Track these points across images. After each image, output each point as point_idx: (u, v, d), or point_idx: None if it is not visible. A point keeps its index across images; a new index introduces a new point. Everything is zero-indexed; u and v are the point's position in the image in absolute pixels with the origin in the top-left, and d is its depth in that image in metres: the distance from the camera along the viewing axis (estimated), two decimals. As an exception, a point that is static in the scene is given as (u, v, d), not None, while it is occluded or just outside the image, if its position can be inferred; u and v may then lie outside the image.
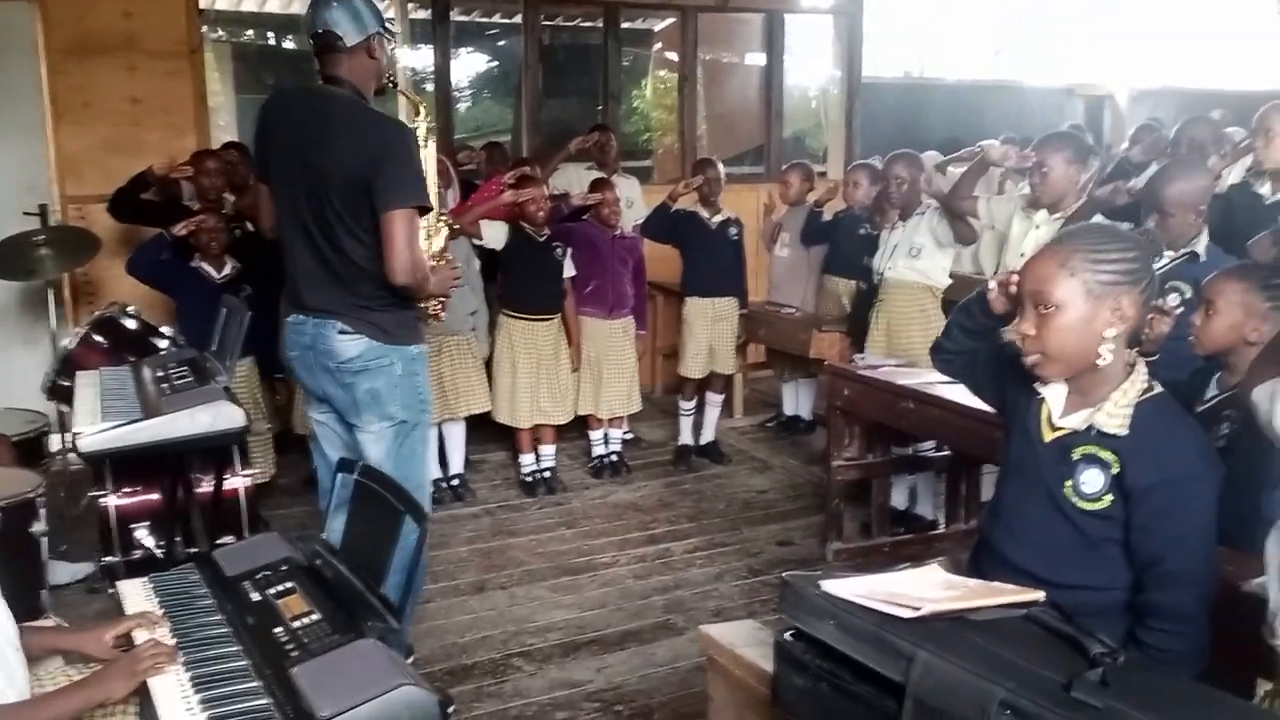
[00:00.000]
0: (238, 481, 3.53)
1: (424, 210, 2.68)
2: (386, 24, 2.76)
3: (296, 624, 1.93)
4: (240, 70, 7.31)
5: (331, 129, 2.63)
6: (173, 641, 1.91)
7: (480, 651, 3.28)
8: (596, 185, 4.88)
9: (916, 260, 4.21)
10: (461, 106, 7.78)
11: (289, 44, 7.61)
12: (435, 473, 4.61)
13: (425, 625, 3.45)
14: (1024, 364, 1.71)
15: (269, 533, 2.57)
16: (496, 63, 8.11)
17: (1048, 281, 1.65)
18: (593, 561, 3.94)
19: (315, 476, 4.52)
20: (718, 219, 5.00)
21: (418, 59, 7.33)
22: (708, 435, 5.24)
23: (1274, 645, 1.47)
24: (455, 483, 4.63)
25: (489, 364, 4.65)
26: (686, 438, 5.18)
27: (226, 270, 4.28)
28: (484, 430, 4.92)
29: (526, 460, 4.71)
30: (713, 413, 5.25)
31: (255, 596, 2.09)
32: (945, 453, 4.04)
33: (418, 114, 2.92)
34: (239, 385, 4.11)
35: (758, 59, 7.45)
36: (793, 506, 4.61)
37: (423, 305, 2.92)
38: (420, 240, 2.88)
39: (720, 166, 5.07)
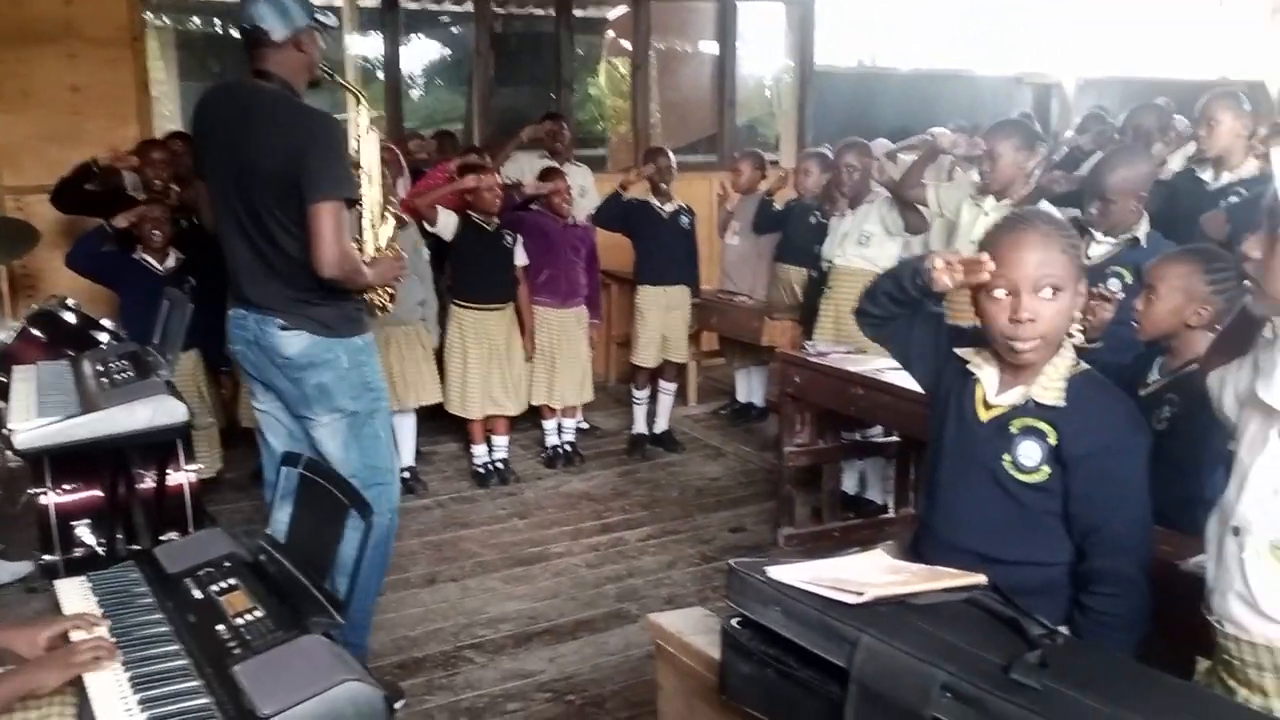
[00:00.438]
0: (182, 477, 3.47)
1: (352, 203, 2.65)
2: (317, 17, 2.73)
3: (239, 621, 1.90)
4: (184, 58, 7.16)
5: (257, 124, 2.62)
6: (113, 640, 1.87)
7: (431, 644, 3.26)
8: (548, 174, 4.85)
9: (865, 248, 4.24)
10: (413, 95, 7.70)
11: (235, 31, 7.46)
12: (408, 459, 4.58)
13: (375, 619, 3.39)
14: (1013, 350, 1.69)
15: (212, 528, 2.52)
16: (448, 51, 8.04)
17: (1052, 264, 1.67)
18: (545, 552, 3.93)
19: (262, 470, 4.52)
20: (670, 207, 5.00)
21: (368, 47, 7.23)
22: (662, 424, 5.24)
23: (1211, 623, 1.50)
24: (406, 475, 4.56)
25: (439, 354, 4.60)
26: (640, 426, 5.18)
27: (170, 262, 4.19)
28: (435, 422, 4.88)
29: (479, 451, 4.68)
30: (666, 401, 5.25)
31: (197, 594, 2.04)
32: (894, 438, 4.08)
33: (358, 104, 2.89)
34: (183, 379, 4.03)
35: (711, 47, 7.44)
36: (745, 493, 4.63)
37: (368, 296, 2.90)
38: (366, 231, 2.91)
39: (671, 155, 5.07)
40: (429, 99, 8.47)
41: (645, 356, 5.08)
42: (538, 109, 6.00)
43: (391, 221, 3.05)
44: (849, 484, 4.39)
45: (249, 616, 1.91)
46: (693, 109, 7.57)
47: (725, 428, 5.62)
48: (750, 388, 5.77)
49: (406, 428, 4.58)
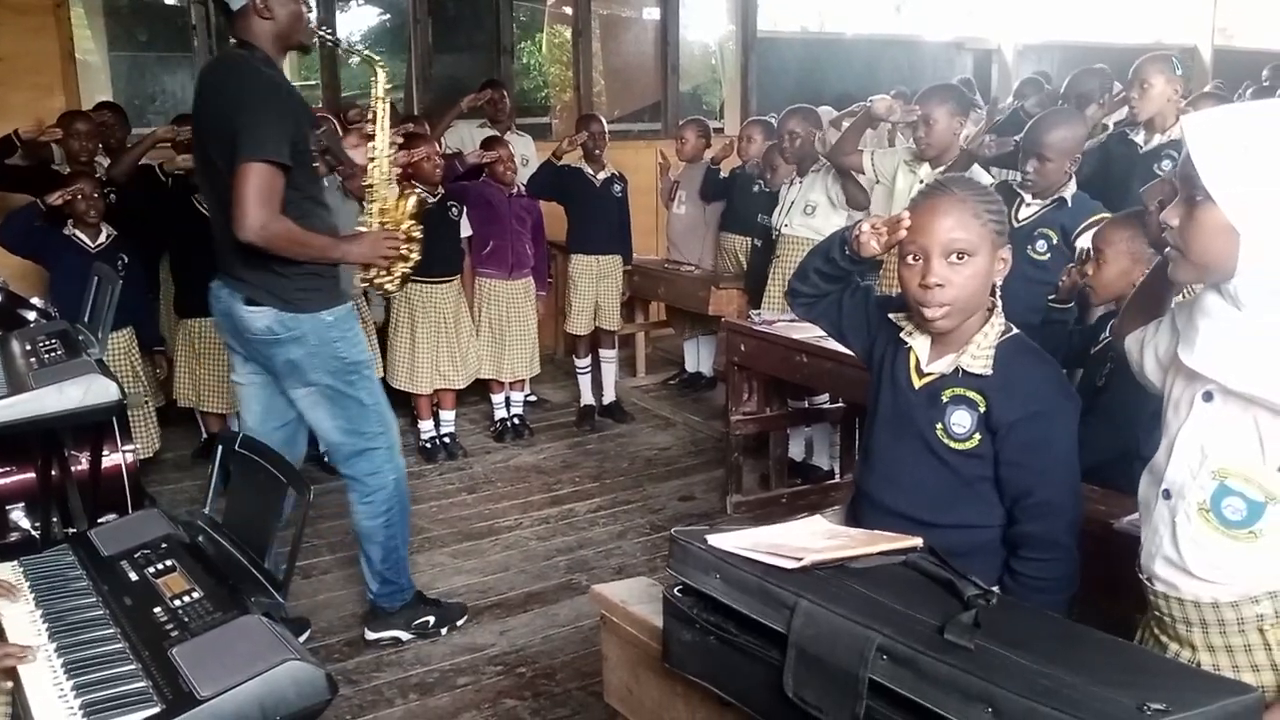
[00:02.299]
0: (118, 458, 3.37)
1: (284, 168, 2.55)
2: None
3: (177, 603, 1.87)
4: (112, 25, 6.92)
5: (212, 92, 2.63)
6: (42, 626, 1.83)
7: (380, 620, 3.24)
8: (489, 143, 4.79)
9: (811, 218, 4.24)
10: (351, 62, 7.52)
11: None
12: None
13: (324, 596, 3.40)
14: (924, 314, 1.70)
15: (149, 510, 2.47)
16: (387, 16, 7.85)
17: (963, 229, 1.67)
18: (495, 526, 3.92)
19: (205, 449, 4.44)
20: (602, 175, 4.97)
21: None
22: (609, 394, 5.24)
23: (1143, 580, 1.53)
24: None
25: (382, 329, 4.54)
26: (588, 398, 5.17)
27: (101, 238, 4.08)
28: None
29: (426, 426, 4.64)
30: (609, 370, 5.25)
31: (133, 576, 2.01)
32: (839, 404, 4.12)
33: (374, 74, 2.89)
34: (117, 358, 3.95)
35: (654, 14, 7.38)
36: (695, 462, 4.65)
37: (364, 274, 2.91)
38: (368, 203, 2.90)
39: (604, 122, 5.03)
40: (366, 66, 8.29)
41: (578, 324, 5.08)
42: (478, 77, 5.90)
43: (413, 198, 3.02)
44: (796, 450, 4.43)
45: (187, 598, 1.88)
46: (636, 76, 7.51)
47: (674, 397, 5.63)
48: (699, 357, 5.78)
49: (351, 403, 4.53)
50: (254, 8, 2.60)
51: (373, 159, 2.95)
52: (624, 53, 7.65)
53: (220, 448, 2.26)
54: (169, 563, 2.03)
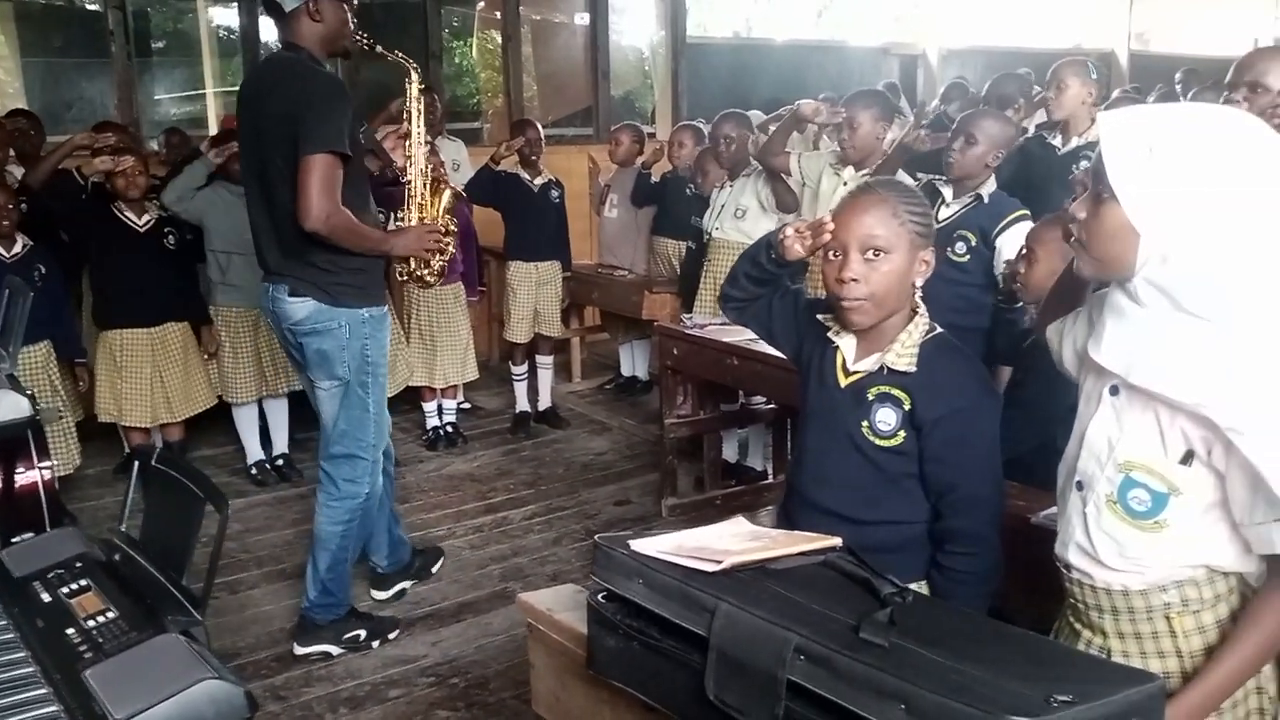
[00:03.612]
0: (34, 475, 3.26)
1: (345, 159, 2.68)
2: None
3: (91, 624, 1.81)
4: (25, 31, 6.73)
5: (268, 91, 2.75)
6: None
7: (310, 635, 3.18)
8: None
9: (742, 222, 4.27)
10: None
11: (89, 4, 7.06)
12: (258, 453, 4.44)
13: (251, 612, 3.33)
14: (841, 310, 1.73)
15: (65, 528, 2.40)
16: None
17: (881, 227, 1.69)
18: (428, 535, 3.87)
19: (127, 464, 4.32)
20: (539, 181, 4.96)
21: (226, 18, 6.94)
22: (545, 400, 5.22)
23: (1060, 568, 1.56)
24: (280, 463, 4.47)
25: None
26: (523, 404, 5.15)
27: (16, 249, 3.95)
28: (309, 408, 4.73)
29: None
30: (546, 376, 5.23)
31: (45, 597, 1.94)
32: (772, 405, 4.15)
33: (409, 76, 3.04)
34: (34, 371, 3.83)
35: (584, 19, 7.38)
36: (630, 466, 4.65)
37: (403, 266, 3.05)
38: (410, 200, 3.07)
39: (540, 127, 5.01)
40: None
41: (517, 332, 5.05)
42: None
43: (448, 193, 3.16)
44: (730, 452, 4.46)
45: (101, 618, 1.83)
46: (568, 81, 7.51)
47: (610, 402, 5.63)
48: (634, 361, 5.79)
49: (279, 413, 4.46)
50: (306, 10, 2.72)
51: (410, 157, 3.08)
52: (555, 58, 7.64)
53: (137, 463, 2.21)
54: (83, 582, 1.97)
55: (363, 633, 3.10)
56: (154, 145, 5.64)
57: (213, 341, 4.24)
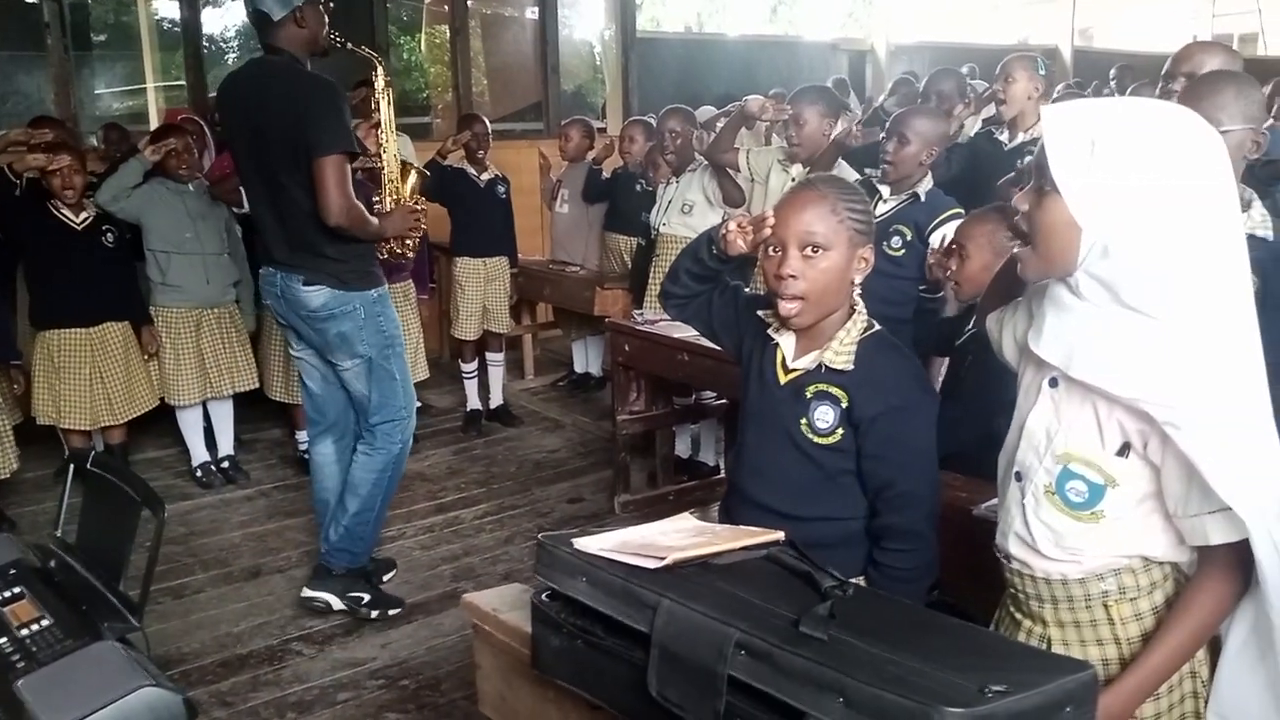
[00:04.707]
0: (-32, 480, 3.20)
1: (353, 156, 2.91)
2: None
3: (24, 632, 1.77)
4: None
5: (267, 93, 2.89)
6: None
7: (256, 639, 3.13)
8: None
9: (689, 217, 4.27)
10: (230, 59, 7.27)
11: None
12: (203, 455, 4.37)
13: (196, 617, 3.27)
14: (779, 307, 1.73)
15: (-2, 535, 2.34)
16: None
17: (820, 224, 1.69)
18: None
19: (65, 467, 4.23)
20: (486, 176, 4.93)
21: (168, 10, 6.81)
22: (496, 398, 5.19)
23: (1000, 559, 1.57)
24: (225, 465, 4.40)
25: (256, 338, 4.40)
26: (475, 402, 5.11)
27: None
28: (258, 407, 4.68)
29: (304, 436, 4.49)
30: (496, 373, 5.19)
31: (-23, 606, 1.89)
32: (724, 401, 4.16)
33: (375, 70, 3.22)
34: (-33, 375, 3.73)
35: (533, 13, 7.34)
36: (584, 463, 4.64)
37: (387, 247, 3.26)
38: (385, 185, 3.29)
39: (487, 123, 4.97)
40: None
41: (466, 329, 5.01)
42: (354, 76, 5.77)
43: (413, 174, 3.42)
44: (683, 448, 4.46)
45: (35, 626, 1.79)
46: (517, 76, 7.46)
47: (563, 399, 5.61)
48: (587, 358, 5.78)
49: (224, 415, 4.39)
50: (294, 17, 2.87)
51: (383, 145, 3.29)
52: (505, 52, 7.59)
53: (73, 467, 2.16)
54: (17, 590, 1.92)
55: (367, 596, 3.22)
56: (93, 141, 5.52)
57: (153, 342, 4.15)
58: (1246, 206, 2.14)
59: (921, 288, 2.63)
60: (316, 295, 2.98)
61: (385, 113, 3.26)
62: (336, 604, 3.20)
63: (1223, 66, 2.43)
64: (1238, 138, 2.05)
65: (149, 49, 6.79)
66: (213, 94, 6.12)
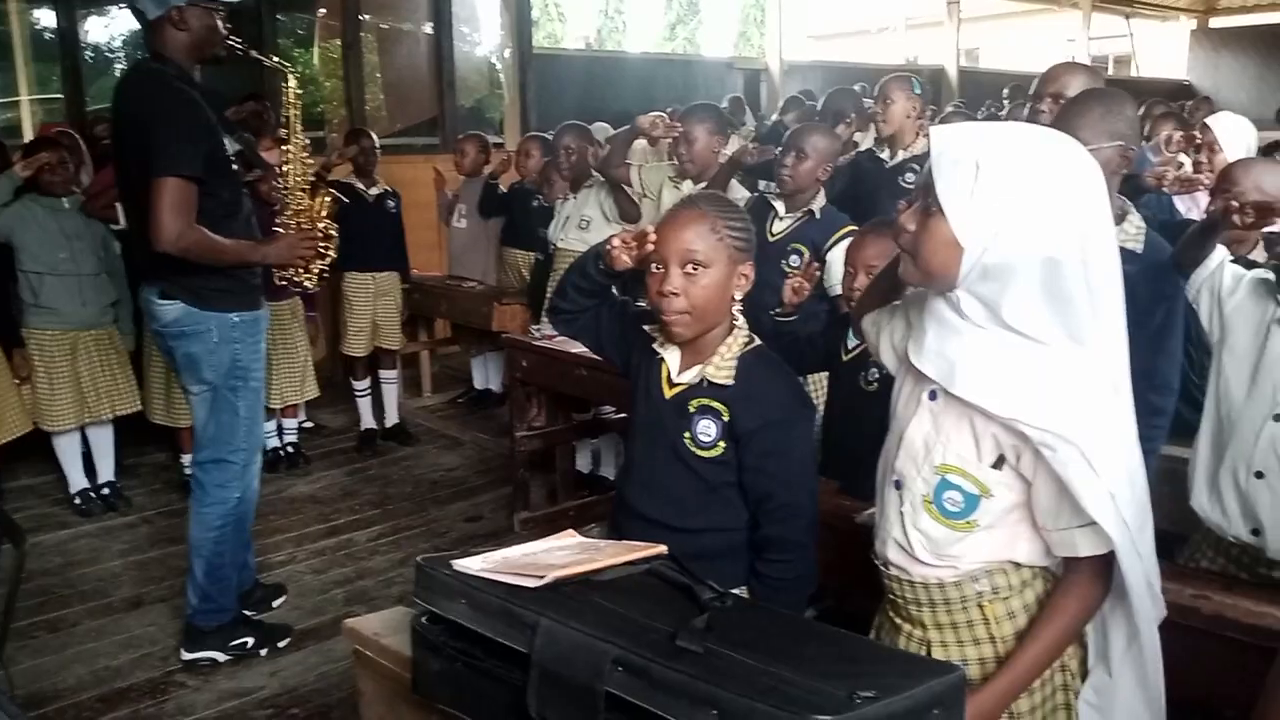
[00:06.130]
0: None
1: (196, 180, 2.66)
2: None
3: None
4: None
5: (127, 102, 2.76)
6: None
7: (137, 672, 3.01)
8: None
9: (586, 232, 4.27)
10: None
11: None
12: (81, 482, 4.19)
13: (73, 651, 3.13)
14: (661, 323, 1.75)
15: None
16: (138, 26, 7.39)
17: (700, 241, 1.71)
18: (267, 561, 3.71)
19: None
20: (375, 191, 4.86)
21: (44, 20, 6.54)
22: (391, 416, 5.11)
23: (878, 566, 1.60)
24: (106, 492, 4.22)
25: (136, 358, 4.24)
26: (369, 421, 5.02)
27: None
28: (140, 430, 4.50)
29: (189, 460, 4.35)
30: (391, 391, 5.11)
31: None
32: (624, 415, 4.16)
33: (285, 81, 3.03)
34: None
35: (429, 27, 7.28)
36: (483, 481, 4.59)
37: (280, 273, 3.03)
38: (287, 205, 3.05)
39: (374, 137, 4.91)
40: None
41: (355, 345, 4.94)
42: (242, 90, 5.63)
43: (328, 195, 3.19)
44: (583, 463, 4.45)
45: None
46: (414, 90, 7.38)
47: (463, 416, 5.54)
48: (487, 374, 5.72)
49: (104, 440, 4.21)
50: (170, 19, 2.69)
51: (287, 162, 3.05)
52: (400, 66, 7.50)
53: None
54: None
55: (250, 640, 3.07)
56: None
57: (24, 366, 3.96)
58: (1121, 218, 2.22)
59: (774, 311, 2.64)
60: (169, 310, 2.82)
61: (294, 126, 3.07)
62: (222, 657, 3.03)
63: (1087, 86, 2.53)
64: (1105, 155, 2.13)
65: (23, 60, 6.51)
66: (93, 107, 5.91)
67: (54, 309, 3.97)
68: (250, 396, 2.96)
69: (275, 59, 3.09)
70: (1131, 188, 2.99)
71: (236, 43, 2.87)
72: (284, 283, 3.10)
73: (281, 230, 3.02)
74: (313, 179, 3.27)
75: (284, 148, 3.10)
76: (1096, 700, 1.49)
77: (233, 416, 2.92)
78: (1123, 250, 1.59)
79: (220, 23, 2.81)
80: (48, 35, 6.55)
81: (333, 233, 3.13)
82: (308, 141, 3.14)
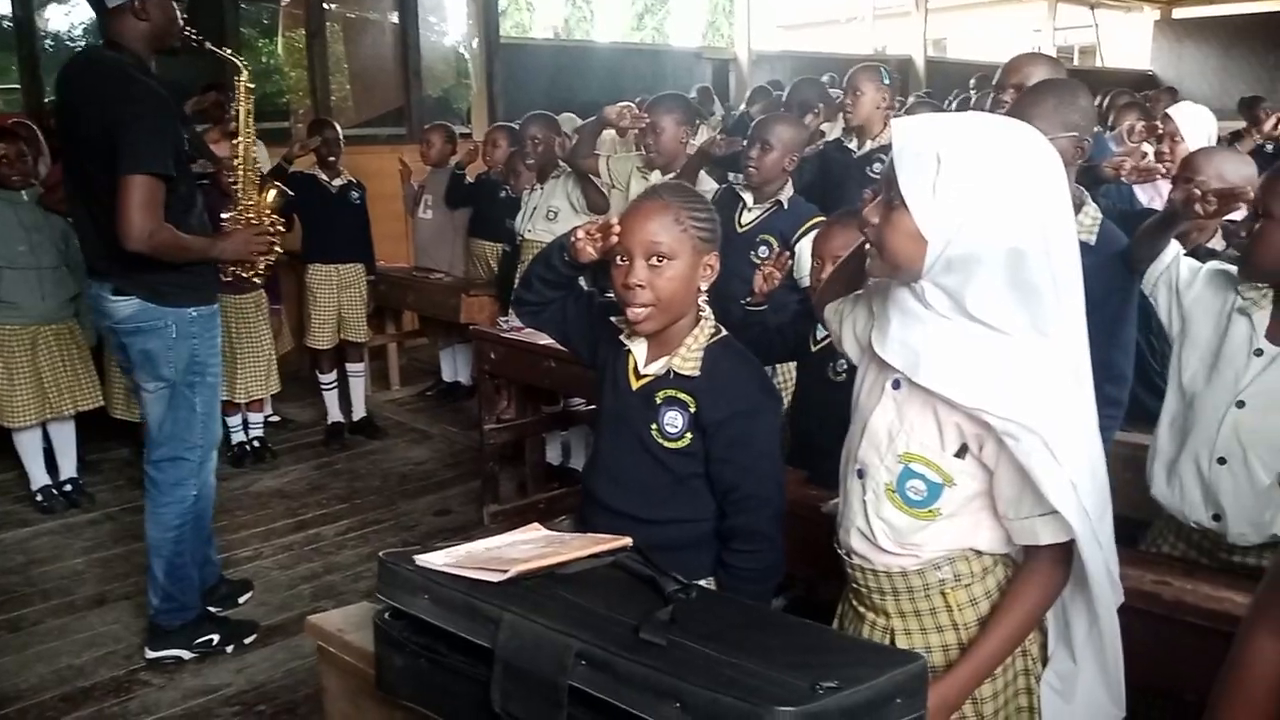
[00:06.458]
0: None
1: (165, 178, 2.62)
2: None
3: None
4: None
5: (85, 93, 2.66)
6: None
7: (101, 670, 2.97)
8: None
9: (554, 223, 4.24)
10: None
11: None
12: (43, 479, 4.13)
13: (35, 650, 3.09)
14: (627, 315, 1.74)
15: None
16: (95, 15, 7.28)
17: (664, 233, 1.70)
18: (233, 557, 3.67)
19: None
20: (339, 182, 4.82)
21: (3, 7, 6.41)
22: (359, 409, 5.07)
23: (841, 555, 1.61)
24: (69, 488, 4.16)
25: (98, 353, 4.18)
26: (336, 414, 4.98)
27: None
28: (103, 426, 4.44)
29: (152, 456, 4.30)
30: (357, 384, 5.07)
31: None
32: (593, 406, 4.15)
33: (238, 73, 2.98)
34: None
35: (394, 17, 7.21)
36: (452, 474, 4.56)
37: (229, 269, 2.97)
38: (238, 200, 3.00)
39: (338, 127, 4.86)
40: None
41: (319, 338, 4.89)
42: (203, 80, 5.55)
43: (273, 191, 3.13)
44: (553, 455, 4.43)
45: None
46: (380, 80, 7.32)
47: (432, 409, 5.51)
48: (456, 366, 5.69)
49: (65, 436, 4.15)
50: (131, 8, 2.63)
51: (238, 156, 3.01)
52: (366, 56, 7.43)
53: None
54: None
55: (216, 637, 3.04)
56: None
57: (-18, 362, 3.90)
58: (1077, 209, 2.23)
59: (744, 300, 2.64)
60: (124, 306, 2.76)
61: (244, 120, 3.02)
62: (187, 655, 3.00)
63: (1048, 76, 2.54)
64: (1060, 145, 2.13)
65: (-23, 49, 6.39)
66: (51, 98, 5.80)
67: (13, 303, 3.90)
68: (207, 392, 2.92)
69: (229, 51, 3.03)
70: (1090, 178, 3.02)
71: (192, 34, 2.82)
72: (230, 279, 3.05)
73: (230, 225, 2.98)
74: (262, 173, 3.23)
75: (234, 141, 3.06)
76: (1059, 684, 1.51)
77: (190, 413, 2.88)
78: (1077, 243, 1.60)
79: (179, 13, 2.76)
80: (5, 24, 6.42)
81: (280, 228, 3.10)
82: (255, 137, 3.11)
